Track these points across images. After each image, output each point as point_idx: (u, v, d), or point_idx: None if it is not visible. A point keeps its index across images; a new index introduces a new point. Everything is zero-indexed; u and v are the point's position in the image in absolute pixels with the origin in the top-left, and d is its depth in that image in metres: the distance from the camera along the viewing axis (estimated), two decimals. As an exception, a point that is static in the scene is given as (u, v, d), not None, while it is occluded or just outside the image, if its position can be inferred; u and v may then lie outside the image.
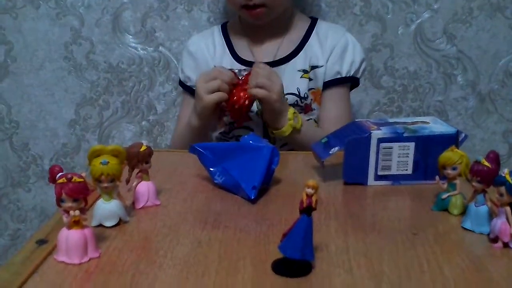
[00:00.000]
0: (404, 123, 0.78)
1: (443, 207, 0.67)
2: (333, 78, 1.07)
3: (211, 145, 0.77)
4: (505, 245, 0.57)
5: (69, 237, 0.53)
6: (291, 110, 0.96)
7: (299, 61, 1.07)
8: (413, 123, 0.78)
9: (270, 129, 0.99)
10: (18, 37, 1.29)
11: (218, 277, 0.51)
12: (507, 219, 0.56)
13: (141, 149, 0.66)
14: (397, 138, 0.74)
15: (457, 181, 0.66)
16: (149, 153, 0.67)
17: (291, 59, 1.07)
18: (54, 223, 0.62)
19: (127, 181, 0.67)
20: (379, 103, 1.31)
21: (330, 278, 0.51)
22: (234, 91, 0.94)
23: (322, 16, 1.23)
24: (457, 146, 0.72)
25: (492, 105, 1.30)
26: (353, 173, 0.76)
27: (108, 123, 1.35)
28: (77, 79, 1.31)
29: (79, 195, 0.53)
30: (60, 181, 0.52)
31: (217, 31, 1.14)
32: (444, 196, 0.66)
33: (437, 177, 0.67)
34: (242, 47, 1.11)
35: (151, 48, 1.29)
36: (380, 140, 0.74)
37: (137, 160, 0.66)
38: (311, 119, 1.07)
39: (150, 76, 1.31)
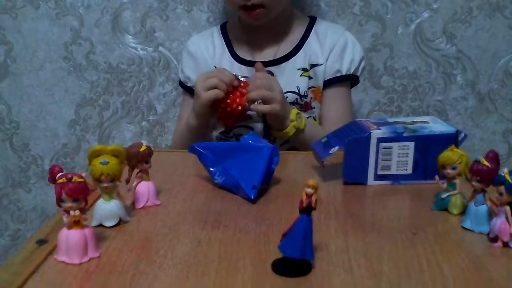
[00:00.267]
0: (404, 122, 0.78)
1: (442, 206, 0.67)
2: (333, 77, 1.07)
3: (211, 145, 0.77)
4: (505, 244, 0.57)
5: (69, 237, 0.54)
6: (294, 111, 0.96)
7: (299, 60, 1.07)
8: (412, 122, 0.78)
9: (273, 131, 0.99)
10: (18, 37, 1.29)
11: (218, 277, 0.51)
12: (507, 218, 0.56)
13: (141, 149, 0.66)
14: (397, 138, 0.74)
15: (457, 181, 0.66)
16: (149, 153, 0.67)
17: (291, 58, 1.08)
18: (54, 223, 0.62)
19: (127, 181, 0.67)
20: (379, 103, 1.31)
21: (330, 277, 0.51)
22: (231, 94, 0.94)
23: (322, 16, 1.23)
24: (457, 146, 0.72)
25: (491, 105, 1.30)
26: (353, 172, 0.76)
27: (108, 124, 1.35)
28: (77, 79, 1.31)
29: (79, 195, 0.53)
30: (60, 181, 0.52)
31: (216, 31, 1.15)
32: (444, 195, 0.66)
33: (436, 177, 0.67)
34: (242, 47, 1.11)
35: (151, 48, 1.29)
36: (380, 140, 0.74)
37: (137, 160, 0.66)
38: (311, 117, 1.07)
39: (150, 76, 1.31)
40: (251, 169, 0.71)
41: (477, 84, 1.29)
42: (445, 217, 0.66)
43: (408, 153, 0.75)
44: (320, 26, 1.11)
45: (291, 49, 1.08)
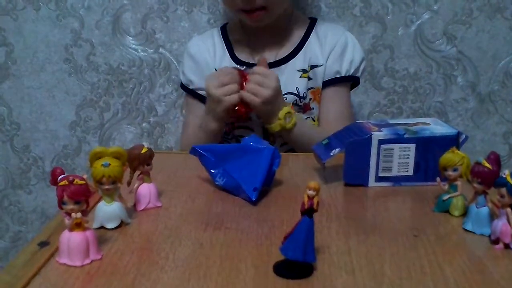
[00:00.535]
0: (405, 124, 0.78)
1: (444, 208, 0.67)
2: (332, 77, 1.07)
3: (212, 147, 0.77)
4: (506, 246, 0.57)
5: (71, 239, 0.54)
6: (285, 109, 0.96)
7: (299, 61, 1.07)
8: (413, 124, 0.78)
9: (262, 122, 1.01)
10: (19, 39, 1.29)
11: (220, 279, 0.51)
12: (508, 220, 0.56)
13: (142, 151, 0.66)
14: (398, 139, 0.74)
15: (458, 183, 0.66)
16: (150, 155, 0.67)
17: (291, 59, 1.08)
18: (56, 225, 0.62)
19: (129, 183, 0.67)
20: (380, 104, 1.31)
21: (331, 279, 0.51)
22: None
23: (322, 17, 1.23)
24: (458, 148, 0.72)
25: (492, 106, 1.30)
26: (354, 174, 0.76)
27: (108, 125, 1.35)
28: (78, 81, 1.32)
29: (81, 197, 0.53)
30: (62, 183, 0.52)
31: (216, 33, 1.15)
32: (445, 197, 0.66)
33: (438, 179, 0.67)
34: (242, 49, 1.11)
35: (151, 50, 1.29)
36: (381, 142, 0.74)
37: (138, 162, 0.66)
38: (309, 117, 1.07)
39: (151, 78, 1.31)
40: (252, 171, 0.71)
41: (477, 85, 1.29)
42: (446, 219, 0.65)
43: (409, 155, 0.75)
44: (321, 27, 1.11)
45: (292, 50, 1.08)
